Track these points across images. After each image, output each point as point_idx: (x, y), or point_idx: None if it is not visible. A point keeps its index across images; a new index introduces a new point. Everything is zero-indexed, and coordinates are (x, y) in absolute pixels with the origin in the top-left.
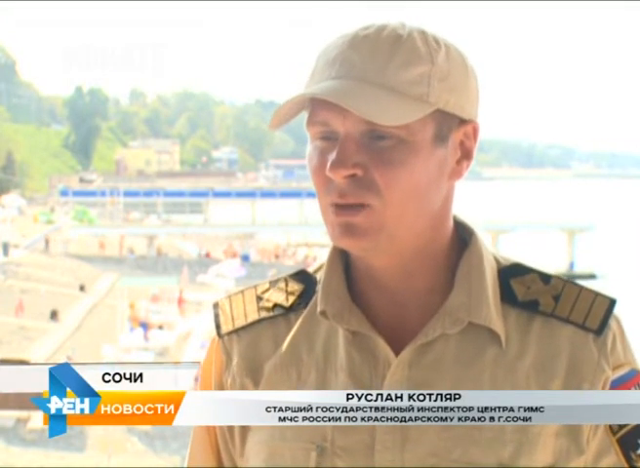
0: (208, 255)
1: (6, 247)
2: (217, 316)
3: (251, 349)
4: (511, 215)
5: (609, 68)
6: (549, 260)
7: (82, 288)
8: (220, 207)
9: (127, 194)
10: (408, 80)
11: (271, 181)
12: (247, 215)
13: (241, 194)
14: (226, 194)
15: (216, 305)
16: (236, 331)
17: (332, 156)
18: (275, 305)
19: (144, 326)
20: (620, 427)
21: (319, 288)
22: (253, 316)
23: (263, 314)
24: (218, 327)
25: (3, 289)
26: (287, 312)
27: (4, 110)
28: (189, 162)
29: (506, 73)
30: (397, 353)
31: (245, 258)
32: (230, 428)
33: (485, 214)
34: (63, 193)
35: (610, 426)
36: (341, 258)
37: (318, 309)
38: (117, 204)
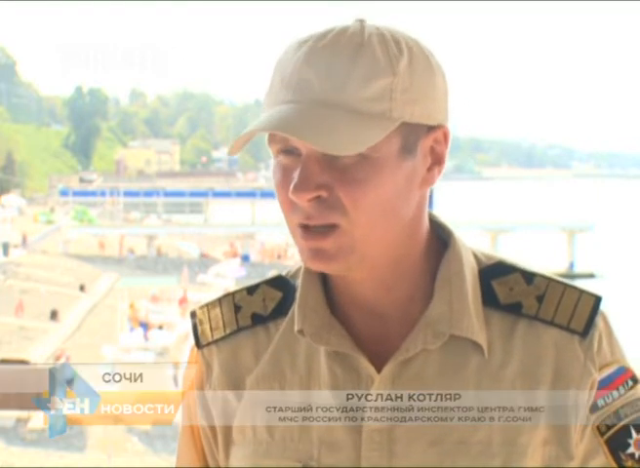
0: (205, 256)
1: (6, 247)
2: (195, 326)
3: (231, 361)
4: (511, 215)
5: (609, 68)
6: (549, 260)
7: (82, 288)
8: (219, 207)
9: (127, 194)
10: (368, 97)
11: (271, 181)
12: (247, 215)
13: (241, 194)
14: (226, 194)
15: (193, 315)
16: (215, 342)
17: (294, 176)
18: (254, 314)
19: (144, 326)
20: (608, 428)
21: (296, 301)
22: (231, 326)
23: (242, 324)
24: (196, 337)
25: (3, 289)
26: (266, 321)
27: (4, 110)
28: (189, 162)
29: (506, 73)
30: (379, 367)
31: (245, 258)
32: (214, 435)
33: (485, 214)
34: (63, 193)
35: (597, 427)
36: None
37: (295, 328)
38: (117, 204)
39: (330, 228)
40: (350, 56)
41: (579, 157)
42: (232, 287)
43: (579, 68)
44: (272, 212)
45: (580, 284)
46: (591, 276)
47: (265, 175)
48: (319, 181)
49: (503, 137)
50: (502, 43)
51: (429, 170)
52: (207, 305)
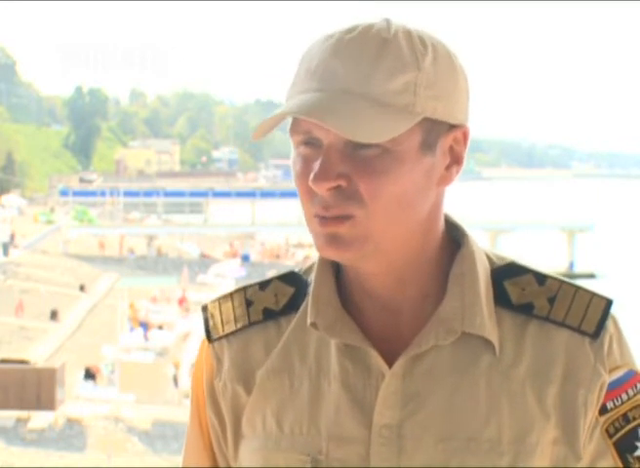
0: (205, 256)
1: (6, 247)
2: (206, 320)
3: (241, 355)
4: (511, 215)
5: (609, 68)
6: (549, 260)
7: (82, 288)
8: (220, 207)
9: (127, 194)
10: (393, 90)
11: (271, 181)
12: (247, 215)
13: (241, 194)
14: (226, 194)
15: (204, 309)
16: (226, 336)
17: (315, 166)
18: (265, 309)
19: (144, 326)
20: (617, 430)
21: (309, 295)
22: (242, 321)
23: (253, 318)
24: (207, 331)
25: (3, 289)
26: (277, 316)
27: (4, 110)
28: (189, 162)
29: (507, 73)
30: (390, 363)
31: (245, 258)
32: (223, 429)
33: (485, 214)
34: (63, 193)
35: (606, 430)
36: (332, 264)
37: (308, 321)
38: (117, 204)
39: (346, 217)
40: (376, 49)
41: (579, 157)
42: (232, 287)
43: (579, 68)
44: (272, 212)
45: (579, 284)
46: (591, 276)
47: (265, 175)
48: (339, 171)
49: (503, 137)
50: (503, 43)
51: (447, 168)
52: (218, 299)
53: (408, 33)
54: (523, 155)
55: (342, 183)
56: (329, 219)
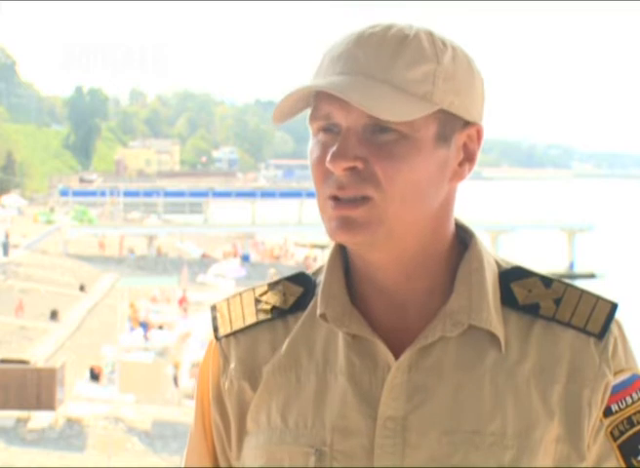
0: (205, 256)
1: (6, 247)
2: (214, 319)
3: (248, 352)
4: (511, 215)
5: (609, 69)
6: (549, 260)
7: (82, 288)
8: (220, 207)
9: (127, 194)
10: (412, 78)
11: (271, 181)
12: (247, 215)
13: (241, 194)
14: (226, 194)
15: (213, 308)
16: (234, 333)
17: (333, 148)
18: (274, 308)
19: (144, 326)
20: (621, 433)
21: (319, 290)
22: (251, 319)
23: (262, 317)
24: (215, 329)
25: (3, 289)
26: (285, 315)
27: (4, 110)
28: (189, 162)
29: (507, 73)
30: (397, 356)
31: (245, 258)
32: (227, 430)
33: (485, 214)
34: (63, 193)
35: (611, 432)
36: (342, 260)
37: (318, 312)
38: (117, 204)
39: (362, 200)
40: (398, 42)
41: (579, 157)
42: (232, 287)
43: (579, 69)
44: (272, 212)
45: (579, 284)
46: (592, 276)
47: (265, 175)
48: (357, 153)
49: (504, 138)
50: (503, 43)
51: (460, 165)
52: (227, 298)
53: (429, 33)
54: (523, 155)
55: (359, 165)
56: (343, 202)
